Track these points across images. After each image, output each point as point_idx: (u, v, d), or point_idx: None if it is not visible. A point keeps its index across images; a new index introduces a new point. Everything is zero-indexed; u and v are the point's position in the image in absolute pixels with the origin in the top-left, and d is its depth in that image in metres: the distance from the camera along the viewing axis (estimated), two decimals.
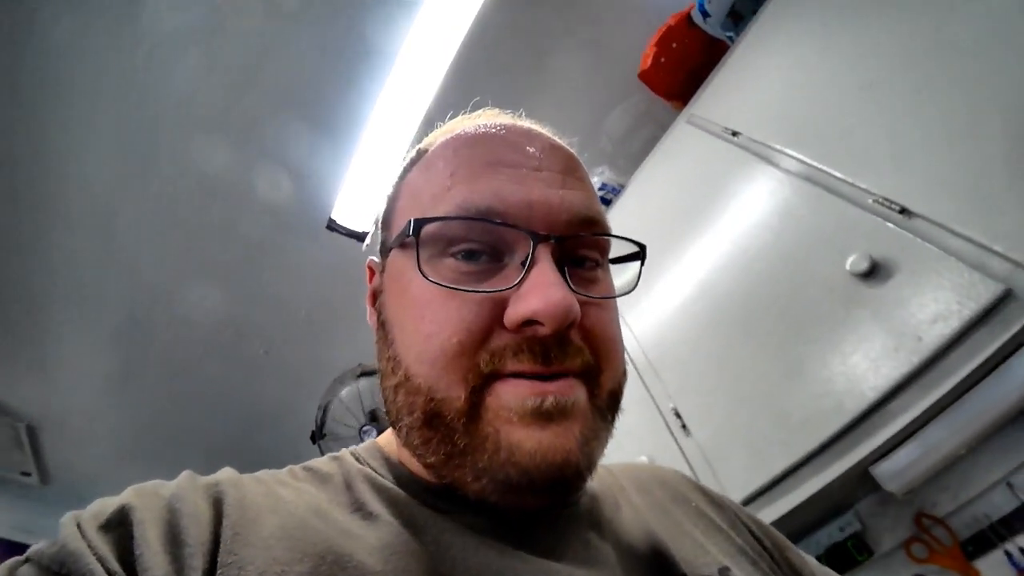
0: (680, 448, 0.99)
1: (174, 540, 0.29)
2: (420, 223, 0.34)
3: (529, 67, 1.52)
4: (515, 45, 1.47)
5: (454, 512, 0.36)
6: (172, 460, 1.73)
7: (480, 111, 0.45)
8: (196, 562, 0.28)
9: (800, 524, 0.90)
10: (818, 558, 0.88)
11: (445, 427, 0.33)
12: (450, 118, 0.46)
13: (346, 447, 0.44)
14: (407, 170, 0.43)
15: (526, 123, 0.42)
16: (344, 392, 1.81)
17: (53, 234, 1.51)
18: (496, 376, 0.33)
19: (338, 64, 1.44)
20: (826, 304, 0.81)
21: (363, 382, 1.86)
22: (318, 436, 1.87)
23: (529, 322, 0.32)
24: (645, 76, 1.34)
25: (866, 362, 0.72)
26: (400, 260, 0.38)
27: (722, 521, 0.46)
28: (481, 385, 0.33)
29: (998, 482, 0.72)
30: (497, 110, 0.45)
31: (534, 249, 0.33)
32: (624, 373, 0.39)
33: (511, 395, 0.32)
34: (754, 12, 1.23)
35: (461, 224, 0.34)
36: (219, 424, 2.04)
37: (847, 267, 0.78)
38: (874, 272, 0.76)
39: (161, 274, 1.65)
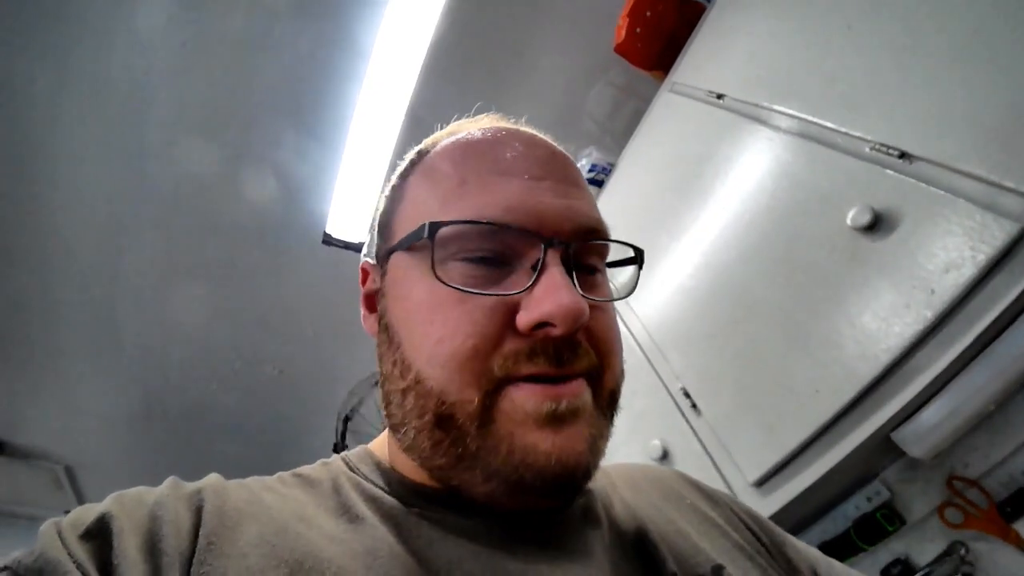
0: (692, 428, 0.95)
1: (152, 550, 0.29)
2: (436, 226, 0.34)
3: (503, 55, 1.49)
4: (486, 34, 1.44)
5: (447, 516, 0.36)
6: None
7: (481, 116, 0.45)
8: (173, 573, 0.28)
9: (824, 498, 0.86)
10: (847, 531, 0.84)
11: (456, 429, 0.33)
12: (438, 121, 0.46)
13: None
14: (407, 172, 0.42)
15: (527, 130, 0.42)
16: (363, 404, 1.85)
17: (57, 290, 1.56)
18: (508, 380, 0.33)
19: (314, 70, 1.42)
20: (829, 264, 0.76)
21: (377, 391, 1.87)
22: (340, 447, 1.88)
23: (541, 325, 0.33)
24: (621, 49, 1.29)
25: (876, 322, 0.67)
26: (406, 262, 0.37)
27: (718, 517, 0.45)
28: (494, 389, 0.33)
29: None
30: (498, 115, 0.45)
31: (544, 255, 0.34)
32: (622, 372, 0.39)
33: (527, 399, 0.33)
34: None
35: (473, 229, 0.34)
36: (246, 449, 2.07)
37: (848, 222, 0.73)
38: (877, 224, 0.70)
39: (165, 313, 1.68)
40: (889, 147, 0.72)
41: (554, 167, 0.39)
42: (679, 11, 1.26)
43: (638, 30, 1.26)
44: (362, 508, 0.36)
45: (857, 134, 0.77)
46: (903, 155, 0.70)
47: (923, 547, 0.77)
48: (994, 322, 0.59)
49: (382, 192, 0.45)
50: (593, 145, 1.44)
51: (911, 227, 0.67)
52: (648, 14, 1.25)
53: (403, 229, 0.38)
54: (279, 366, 1.92)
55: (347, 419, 1.87)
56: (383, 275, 0.40)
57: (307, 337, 1.87)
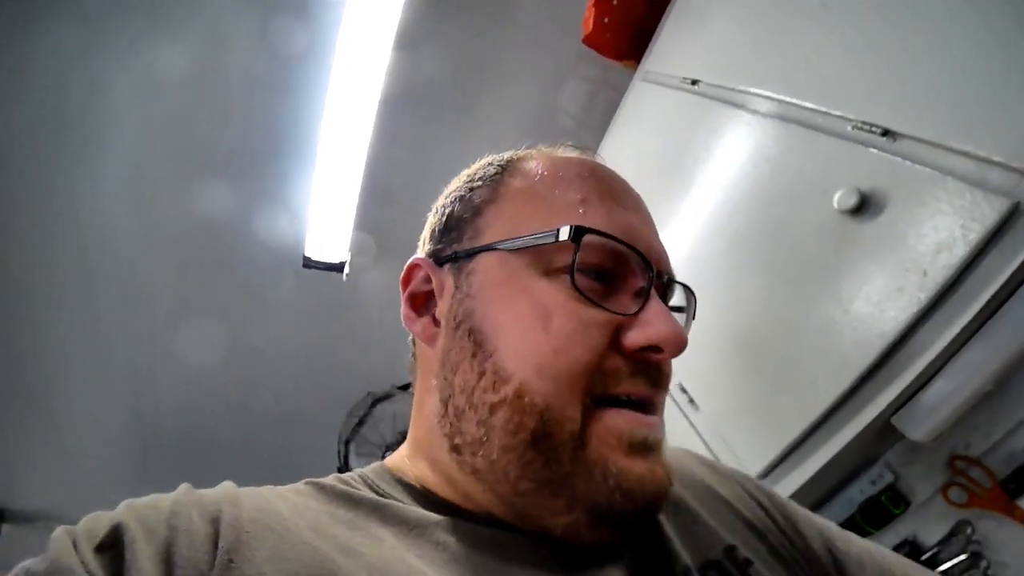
0: (691, 424, 0.93)
1: (167, 562, 0.28)
2: (582, 231, 0.34)
3: (468, 61, 1.45)
4: (447, 43, 1.40)
5: (475, 530, 0.35)
6: None
7: (562, 146, 0.45)
8: None
9: (828, 484, 0.85)
10: (852, 515, 0.83)
11: (552, 450, 0.32)
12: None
13: None
14: (496, 176, 0.41)
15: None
16: (363, 425, 1.82)
17: (43, 331, 1.52)
18: (603, 399, 0.33)
19: (275, 93, 1.37)
20: (818, 249, 0.74)
21: (377, 410, 1.85)
22: (344, 471, 1.84)
23: (647, 348, 0.34)
24: (590, 40, 1.26)
25: (869, 307, 0.66)
26: (512, 264, 0.36)
27: (727, 494, 0.45)
28: (591, 406, 0.33)
29: None
30: (580, 149, 0.45)
31: (650, 285, 0.35)
32: None
33: (622, 423, 0.33)
34: None
35: (604, 244, 0.35)
36: (247, 479, 2.01)
37: (835, 205, 0.71)
38: (864, 206, 0.69)
39: (153, 354, 1.64)
40: (872, 125, 0.70)
41: (646, 210, 0.41)
42: None
43: (606, 20, 1.23)
44: (378, 520, 0.35)
45: (838, 113, 0.76)
46: (886, 132, 0.69)
47: (930, 528, 0.76)
48: (989, 301, 0.57)
49: (446, 193, 0.44)
50: (570, 141, 1.41)
51: (899, 207, 0.65)
52: (615, 2, 1.22)
53: (504, 230, 0.37)
54: (275, 392, 1.88)
55: (348, 441, 1.83)
56: (459, 274, 0.38)
57: (300, 360, 1.84)
